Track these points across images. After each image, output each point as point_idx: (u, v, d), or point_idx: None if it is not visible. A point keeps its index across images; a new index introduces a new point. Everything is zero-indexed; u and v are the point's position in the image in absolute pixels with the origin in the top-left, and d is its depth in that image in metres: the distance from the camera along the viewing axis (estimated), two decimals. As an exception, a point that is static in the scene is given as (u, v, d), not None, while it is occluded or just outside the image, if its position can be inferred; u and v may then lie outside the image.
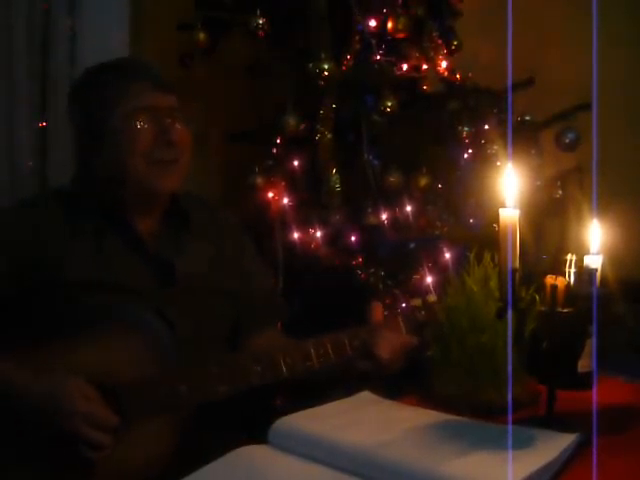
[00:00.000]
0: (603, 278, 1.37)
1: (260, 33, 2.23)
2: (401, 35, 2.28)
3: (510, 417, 1.32)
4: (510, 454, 1.18)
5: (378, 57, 2.28)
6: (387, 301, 2.05)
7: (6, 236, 1.56)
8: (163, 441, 1.45)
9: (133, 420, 1.42)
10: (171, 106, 1.60)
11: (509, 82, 2.11)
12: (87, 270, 1.53)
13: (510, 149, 2.06)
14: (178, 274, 1.59)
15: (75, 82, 1.71)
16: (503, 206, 1.29)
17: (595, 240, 1.38)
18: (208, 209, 1.76)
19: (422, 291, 1.71)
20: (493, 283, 1.50)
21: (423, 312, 1.68)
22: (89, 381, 1.40)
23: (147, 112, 1.56)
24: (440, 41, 2.42)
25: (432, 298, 1.69)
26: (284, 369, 1.53)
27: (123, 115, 1.55)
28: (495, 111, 2.34)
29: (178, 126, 1.59)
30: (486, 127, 2.31)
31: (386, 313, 1.68)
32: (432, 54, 2.39)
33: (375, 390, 1.51)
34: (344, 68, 2.24)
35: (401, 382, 1.64)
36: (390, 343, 1.60)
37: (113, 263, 1.56)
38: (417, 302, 1.69)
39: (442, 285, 1.65)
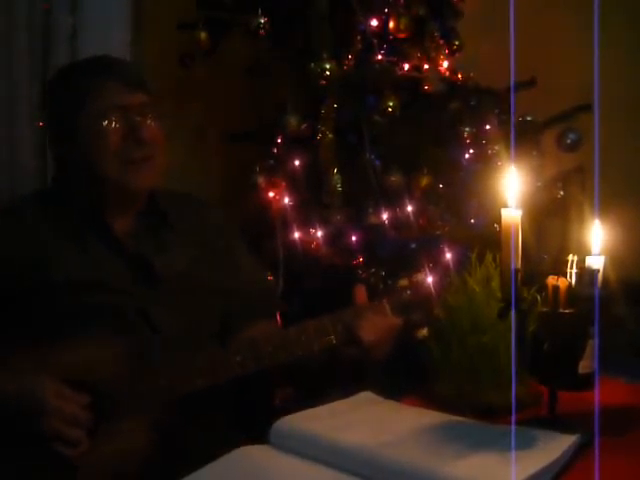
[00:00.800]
0: (605, 279, 1.37)
1: (261, 33, 2.22)
2: (402, 35, 2.28)
3: (514, 418, 1.31)
4: (512, 455, 1.18)
5: (379, 57, 2.28)
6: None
7: None
8: (143, 436, 1.45)
9: (114, 416, 1.42)
10: (142, 103, 1.60)
11: (511, 82, 2.11)
12: (72, 270, 1.53)
13: (512, 149, 2.06)
14: (158, 273, 1.59)
15: (47, 82, 1.75)
16: (505, 206, 1.29)
17: (597, 241, 1.38)
18: (193, 206, 1.75)
19: (410, 271, 1.67)
20: (495, 283, 1.50)
21: (409, 292, 1.64)
22: (69, 379, 1.41)
23: (116, 111, 1.56)
24: (441, 41, 2.41)
25: (418, 277, 1.65)
26: (265, 357, 1.53)
27: (92, 115, 1.56)
28: (496, 111, 2.34)
29: (149, 123, 1.59)
30: (487, 127, 2.31)
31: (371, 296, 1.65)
32: (433, 54, 2.39)
33: (376, 390, 1.51)
34: (345, 68, 2.23)
35: (402, 382, 1.63)
36: (374, 325, 1.57)
37: (96, 263, 1.56)
38: (404, 282, 1.65)
39: (443, 285, 1.64)
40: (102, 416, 1.42)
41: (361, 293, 1.63)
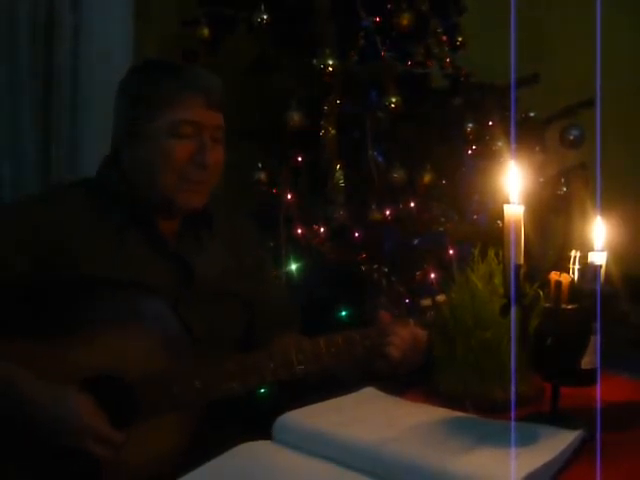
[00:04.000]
0: (607, 275, 1.37)
1: (264, 29, 2.22)
2: (405, 31, 2.28)
3: (514, 413, 1.32)
4: (514, 450, 1.18)
5: (383, 53, 2.28)
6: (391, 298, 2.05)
7: (29, 230, 1.51)
8: (174, 439, 1.45)
9: (148, 417, 1.42)
10: (217, 125, 1.57)
11: (513, 79, 2.11)
12: (107, 265, 1.51)
13: (514, 146, 2.06)
14: (197, 274, 1.59)
15: (130, 71, 1.66)
16: (507, 202, 1.29)
17: (599, 237, 1.38)
18: (233, 217, 1.75)
19: (431, 291, 1.68)
20: (497, 279, 1.50)
21: (433, 312, 1.64)
22: (104, 376, 1.40)
23: (190, 126, 1.52)
24: (445, 37, 2.41)
25: (442, 298, 1.65)
26: (296, 365, 1.53)
27: (169, 122, 1.52)
28: (499, 108, 2.34)
29: (217, 148, 1.56)
30: (490, 124, 2.31)
31: (396, 316, 1.66)
32: (436, 50, 2.39)
33: (379, 386, 1.51)
34: (348, 64, 2.23)
35: (405, 378, 1.64)
36: (401, 339, 1.58)
37: (133, 259, 1.54)
38: (427, 302, 1.66)
39: (446, 282, 1.64)
40: (134, 416, 1.41)
41: (386, 316, 1.64)
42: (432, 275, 2.19)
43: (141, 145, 1.55)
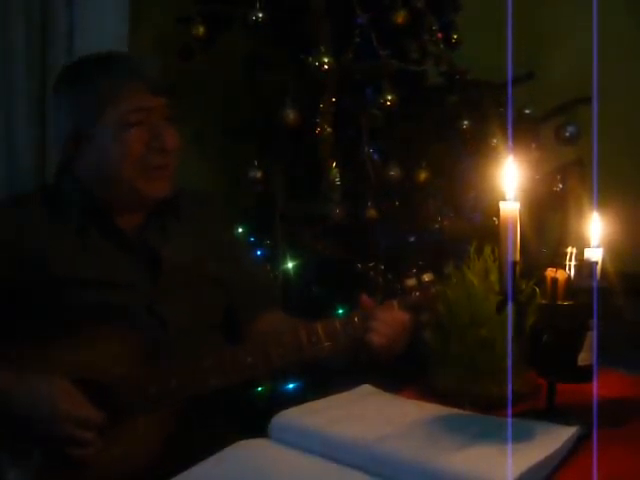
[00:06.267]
0: (603, 271, 1.37)
1: (259, 26, 2.22)
2: (401, 29, 2.27)
3: (510, 410, 1.32)
4: (510, 447, 1.18)
5: (378, 51, 2.27)
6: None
7: None
8: (154, 437, 1.45)
9: (125, 416, 1.41)
10: (164, 105, 1.55)
11: (509, 76, 2.11)
12: (72, 268, 1.51)
13: (510, 143, 2.05)
14: (165, 262, 1.57)
15: (64, 71, 1.64)
16: (503, 199, 1.29)
17: (595, 233, 1.38)
18: (198, 199, 1.73)
19: (417, 271, 1.65)
20: (493, 276, 1.50)
21: (418, 293, 1.62)
22: (80, 378, 1.40)
23: (139, 114, 1.51)
24: (440, 35, 2.41)
25: (428, 277, 1.63)
26: (276, 360, 1.52)
27: (114, 118, 1.50)
28: (495, 105, 2.34)
29: (171, 130, 1.55)
30: (486, 121, 2.31)
31: (380, 299, 1.65)
32: (432, 48, 2.39)
33: (375, 383, 1.51)
34: (344, 62, 2.23)
35: (401, 375, 1.64)
36: (385, 324, 1.56)
37: (98, 258, 1.54)
38: (411, 282, 1.63)
39: (442, 279, 1.64)
40: (113, 416, 1.41)
41: (366, 300, 1.61)
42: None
43: (93, 148, 1.53)
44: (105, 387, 1.41)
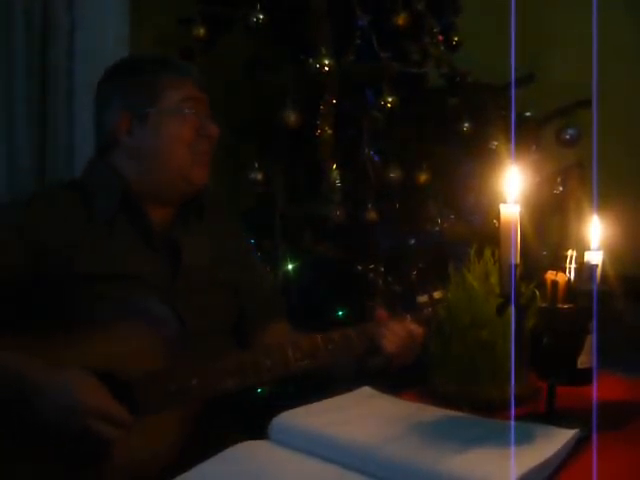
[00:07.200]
0: (603, 274, 1.37)
1: (260, 28, 2.22)
2: (402, 31, 2.28)
3: (513, 413, 1.32)
4: (511, 450, 1.18)
5: (378, 52, 2.27)
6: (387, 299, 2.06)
7: (21, 226, 1.53)
8: (171, 436, 1.45)
9: (145, 414, 1.41)
10: (207, 101, 1.66)
11: (512, 78, 2.11)
12: (98, 261, 1.52)
13: (511, 145, 2.06)
14: (185, 263, 1.59)
15: (121, 62, 1.73)
16: (504, 202, 1.29)
17: (595, 236, 1.38)
18: (216, 205, 1.76)
19: (428, 287, 1.69)
20: (494, 279, 1.50)
21: (430, 309, 1.66)
22: (101, 373, 1.39)
23: (191, 102, 1.61)
24: (441, 37, 2.41)
25: (438, 294, 1.67)
26: (293, 363, 1.53)
27: (175, 99, 1.60)
28: (496, 107, 2.34)
29: (214, 121, 1.64)
30: (487, 123, 2.31)
31: (393, 314, 1.67)
32: (432, 50, 2.39)
33: (375, 385, 1.51)
34: (344, 64, 2.23)
35: (401, 378, 1.64)
36: (397, 334, 1.60)
37: (123, 253, 1.55)
38: (423, 299, 1.68)
39: (442, 281, 1.64)
40: (132, 412, 1.40)
41: (382, 314, 1.66)
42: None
43: (145, 131, 1.60)
44: (124, 383, 1.40)
